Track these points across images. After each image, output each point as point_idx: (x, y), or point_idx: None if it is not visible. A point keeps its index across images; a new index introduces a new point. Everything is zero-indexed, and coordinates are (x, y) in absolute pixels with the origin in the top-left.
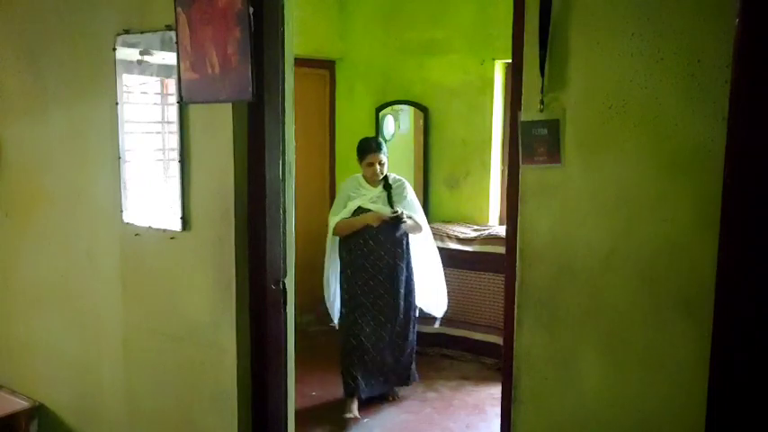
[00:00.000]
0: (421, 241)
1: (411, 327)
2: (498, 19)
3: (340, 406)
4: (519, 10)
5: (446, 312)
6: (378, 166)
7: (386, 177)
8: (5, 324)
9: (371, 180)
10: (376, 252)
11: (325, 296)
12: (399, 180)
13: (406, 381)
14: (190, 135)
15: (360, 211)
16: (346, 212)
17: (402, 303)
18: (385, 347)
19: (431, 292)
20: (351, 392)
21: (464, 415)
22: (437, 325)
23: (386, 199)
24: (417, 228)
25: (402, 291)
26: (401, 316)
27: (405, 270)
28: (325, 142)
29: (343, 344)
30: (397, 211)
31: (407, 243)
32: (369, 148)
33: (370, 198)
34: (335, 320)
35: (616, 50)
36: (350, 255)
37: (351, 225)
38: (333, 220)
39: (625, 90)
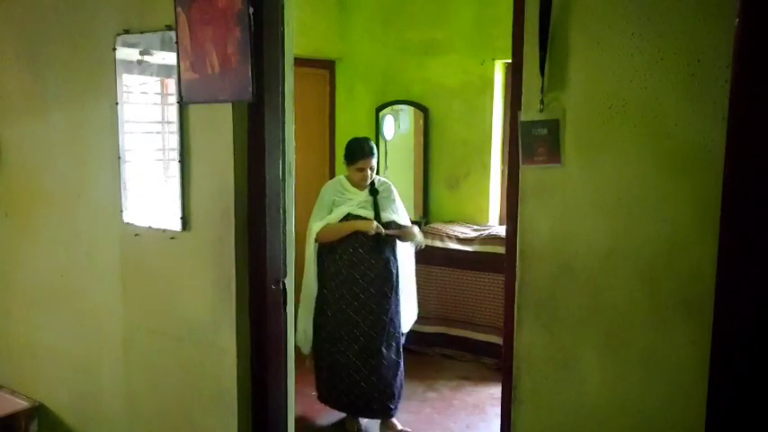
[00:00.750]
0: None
1: (401, 348)
2: (498, 19)
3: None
4: (519, 10)
5: (445, 316)
6: (368, 172)
7: (372, 181)
8: (5, 324)
9: (359, 185)
10: (367, 261)
11: (297, 320)
12: (385, 183)
13: (390, 411)
14: (190, 135)
15: (349, 218)
16: (334, 218)
17: (394, 321)
18: (372, 371)
19: (406, 302)
20: (339, 407)
21: (464, 415)
22: (402, 341)
23: (372, 204)
24: (411, 234)
25: (393, 307)
26: (392, 332)
27: (395, 280)
28: (325, 142)
29: (325, 363)
30: (380, 230)
31: (395, 250)
32: (361, 152)
33: (358, 203)
34: (308, 349)
35: (616, 50)
36: (335, 265)
37: (338, 231)
38: (317, 226)
39: (625, 90)
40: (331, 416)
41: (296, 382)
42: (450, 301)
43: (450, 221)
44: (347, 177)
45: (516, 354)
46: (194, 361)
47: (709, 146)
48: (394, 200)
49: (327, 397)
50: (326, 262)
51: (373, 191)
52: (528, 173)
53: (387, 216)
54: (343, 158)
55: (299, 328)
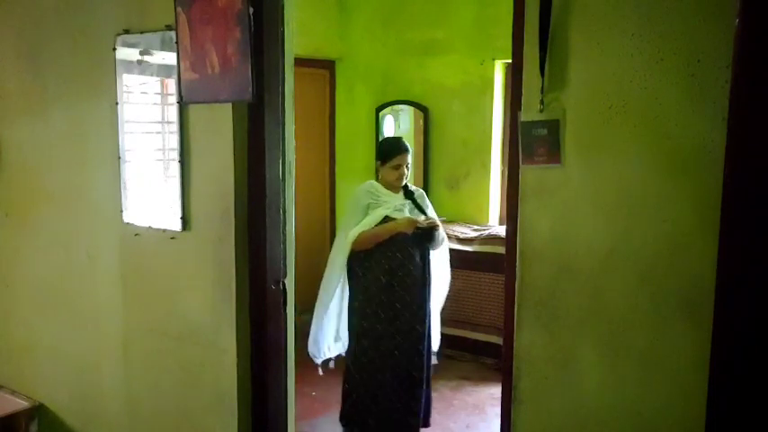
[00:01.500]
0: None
1: (431, 360)
2: (498, 19)
3: (339, 405)
4: (519, 10)
5: (445, 316)
6: (405, 169)
7: (405, 185)
8: (5, 324)
9: (393, 185)
10: (405, 267)
11: (314, 329)
12: (419, 189)
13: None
14: (190, 135)
15: (387, 221)
16: (371, 221)
17: (425, 332)
18: (407, 392)
19: (433, 317)
20: None
21: (464, 415)
22: (435, 361)
23: (412, 207)
24: (440, 241)
25: (427, 318)
26: (425, 345)
27: (428, 289)
28: (325, 142)
29: (357, 383)
30: (431, 219)
31: (430, 255)
32: (398, 147)
33: (395, 206)
34: (321, 358)
35: (616, 50)
36: (370, 272)
37: (376, 235)
38: (353, 232)
39: (625, 90)
40: (331, 416)
41: (296, 382)
42: (450, 301)
43: (451, 221)
44: (378, 181)
45: (516, 354)
46: (194, 361)
47: (709, 146)
48: (428, 206)
49: (354, 421)
50: (360, 270)
51: (408, 193)
52: (528, 173)
53: (430, 214)
54: (376, 159)
55: (310, 337)
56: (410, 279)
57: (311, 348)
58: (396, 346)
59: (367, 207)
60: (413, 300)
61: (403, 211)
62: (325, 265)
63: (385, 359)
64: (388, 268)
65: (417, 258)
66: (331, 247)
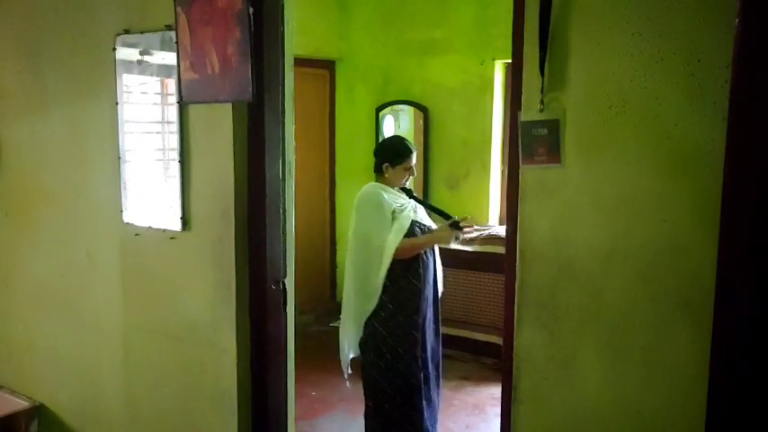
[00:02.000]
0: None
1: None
2: (498, 19)
3: (339, 404)
4: (519, 10)
5: (445, 316)
6: (414, 170)
7: None
8: (5, 324)
9: (397, 186)
10: (429, 269)
11: (343, 343)
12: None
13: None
14: (190, 135)
15: (414, 225)
16: (402, 227)
17: (439, 327)
18: (432, 388)
19: None
20: None
21: (464, 415)
22: None
23: (420, 206)
24: None
25: (440, 313)
26: (439, 340)
27: (436, 283)
28: (325, 142)
29: (390, 396)
30: (456, 221)
31: (436, 252)
32: (410, 148)
33: (411, 208)
34: (350, 369)
35: (616, 50)
36: (402, 279)
37: (417, 246)
38: (392, 241)
39: (625, 90)
40: (331, 416)
41: (296, 382)
42: (450, 301)
43: None
44: (381, 182)
45: (516, 354)
46: (194, 361)
47: (709, 146)
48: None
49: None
50: (388, 279)
51: (408, 192)
52: (528, 173)
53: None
54: (385, 160)
55: (341, 354)
56: (429, 276)
57: (344, 366)
58: (424, 348)
59: (393, 212)
60: (433, 301)
61: (417, 211)
62: (324, 265)
63: (418, 364)
64: (419, 274)
65: (432, 257)
66: (331, 247)
